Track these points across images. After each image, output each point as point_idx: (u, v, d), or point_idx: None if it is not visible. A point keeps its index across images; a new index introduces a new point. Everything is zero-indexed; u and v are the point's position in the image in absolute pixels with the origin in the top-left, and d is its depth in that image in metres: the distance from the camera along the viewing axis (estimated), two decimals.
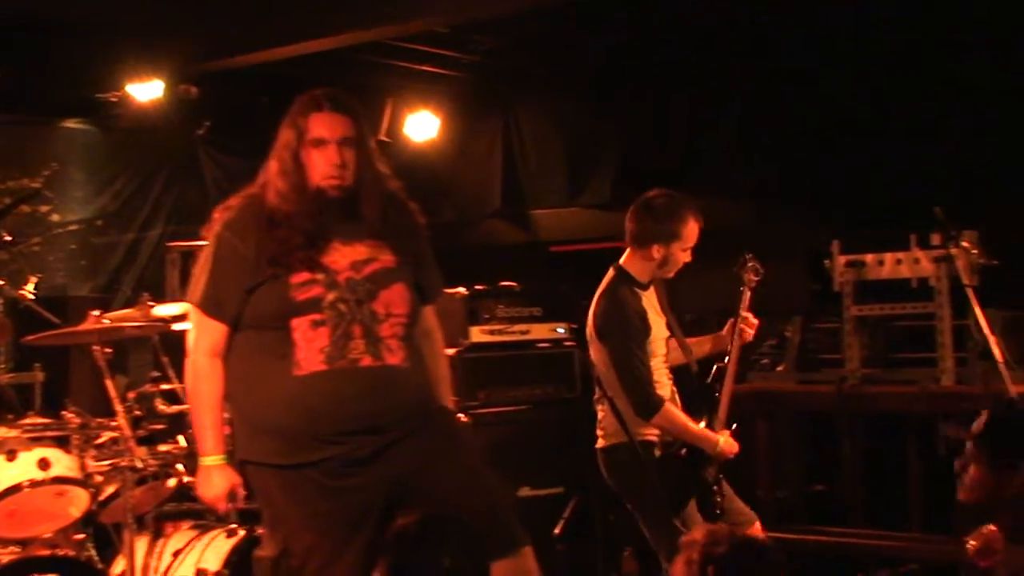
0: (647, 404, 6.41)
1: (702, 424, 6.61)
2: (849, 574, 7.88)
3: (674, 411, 6.49)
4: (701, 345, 6.94)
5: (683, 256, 6.59)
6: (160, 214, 10.38)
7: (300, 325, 5.04)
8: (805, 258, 8.62)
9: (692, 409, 6.64)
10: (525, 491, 8.04)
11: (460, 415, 7.68)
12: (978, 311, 7.29)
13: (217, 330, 5.11)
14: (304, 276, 5.04)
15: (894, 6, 8.77)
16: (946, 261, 7.82)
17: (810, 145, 9.45)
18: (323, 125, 5.10)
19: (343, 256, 5.12)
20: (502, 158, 11.00)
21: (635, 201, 6.69)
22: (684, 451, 6.52)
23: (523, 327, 8.52)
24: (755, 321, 6.79)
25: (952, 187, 8.35)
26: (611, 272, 6.69)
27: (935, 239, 7.90)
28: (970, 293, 7.32)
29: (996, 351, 7.16)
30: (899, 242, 8.11)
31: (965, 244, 7.66)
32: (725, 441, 6.58)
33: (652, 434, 6.53)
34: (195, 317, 5.19)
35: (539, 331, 8.60)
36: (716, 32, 9.53)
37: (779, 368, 8.86)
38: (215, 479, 5.12)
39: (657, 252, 6.54)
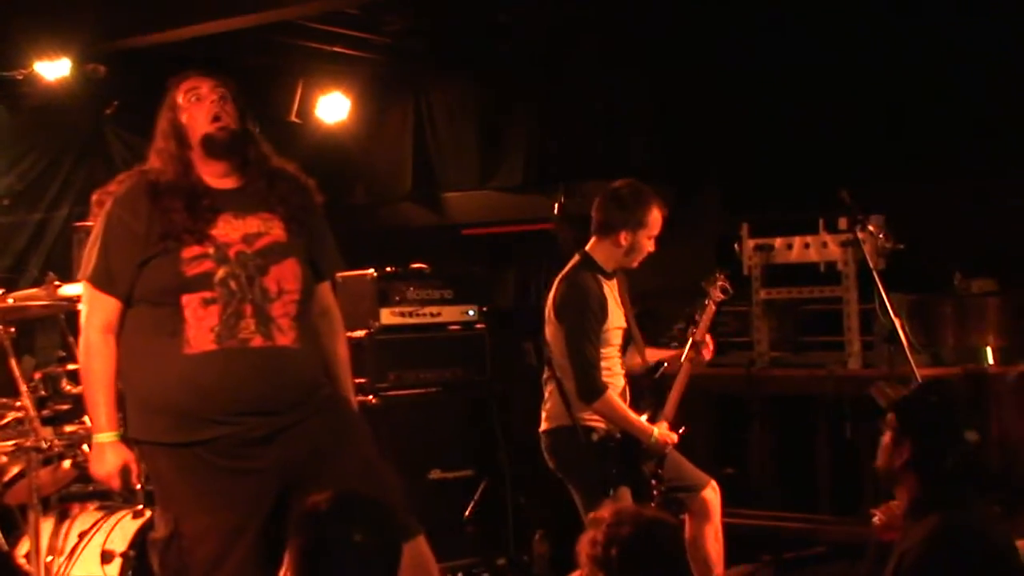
0: (590, 389, 6.54)
1: (644, 418, 6.74)
2: (758, 556, 7.88)
3: (615, 400, 6.63)
4: (657, 354, 7.14)
5: (648, 244, 6.78)
6: (68, 194, 10.26)
7: (191, 303, 5.03)
8: (715, 241, 8.67)
9: (639, 403, 6.83)
10: (435, 473, 8.09)
11: (370, 397, 7.70)
12: (884, 295, 7.37)
13: (110, 305, 5.10)
14: (195, 250, 5.03)
15: None
16: (853, 245, 7.92)
17: (720, 128, 9.46)
18: (197, 82, 5.19)
19: (234, 229, 5.12)
20: (413, 140, 10.96)
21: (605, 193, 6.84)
22: (619, 436, 6.64)
23: (434, 309, 8.54)
24: (712, 343, 7.05)
25: (858, 171, 8.40)
26: (576, 257, 6.84)
27: (842, 223, 7.98)
28: (876, 277, 7.39)
29: (902, 334, 7.25)
30: (807, 226, 8.17)
31: (872, 228, 7.73)
32: (660, 433, 6.71)
33: (594, 420, 6.64)
34: (87, 293, 5.18)
35: (450, 313, 8.64)
36: (631, 15, 9.53)
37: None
38: (108, 456, 5.09)
39: (624, 239, 6.72)
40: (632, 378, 6.95)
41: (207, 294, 5.02)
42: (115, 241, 5.11)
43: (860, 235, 7.75)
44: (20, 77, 9.60)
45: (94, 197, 5.31)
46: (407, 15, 9.85)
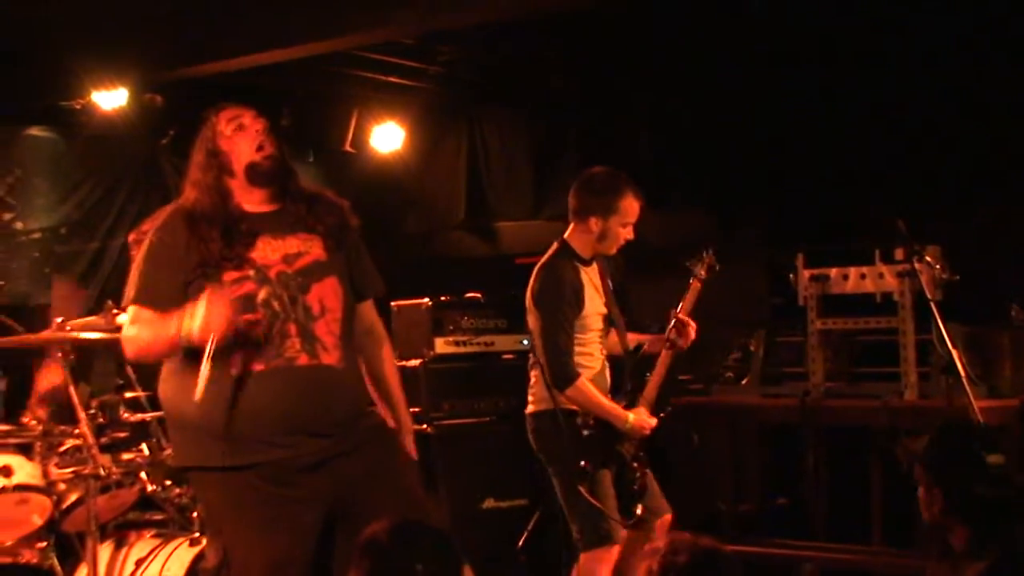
0: (563, 375, 6.63)
1: (623, 403, 6.81)
2: None
3: (587, 386, 6.68)
4: (638, 337, 7.13)
5: (623, 232, 6.82)
6: (124, 223, 10.30)
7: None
8: (767, 271, 8.66)
9: (618, 387, 6.92)
10: (489, 503, 8.10)
11: (424, 426, 7.72)
12: (942, 326, 7.34)
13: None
14: (235, 274, 5.05)
15: (859, 20, 8.77)
16: (910, 276, 7.84)
17: (774, 157, 9.46)
18: (239, 112, 5.24)
19: (274, 250, 5.16)
20: (467, 170, 11.03)
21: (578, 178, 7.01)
22: (592, 422, 6.70)
23: (488, 338, 8.58)
24: (694, 326, 6.95)
25: (915, 202, 8.37)
26: (555, 245, 6.91)
27: (898, 254, 7.93)
28: (933, 308, 7.36)
29: (959, 366, 7.20)
30: (863, 256, 8.15)
31: (928, 259, 7.68)
32: (636, 418, 6.76)
33: (575, 405, 6.74)
34: (132, 315, 5.18)
35: (504, 343, 8.67)
36: (677, 44, 9.54)
37: (743, 381, 8.86)
38: (209, 311, 4.86)
39: (595, 225, 6.79)
40: (614, 361, 7.00)
41: (251, 317, 5.04)
42: (157, 264, 5.14)
43: (917, 266, 7.71)
44: (78, 107, 9.71)
45: (131, 238, 5.31)
46: (460, 46, 9.89)
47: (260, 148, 5.16)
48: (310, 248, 5.23)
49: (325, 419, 5.08)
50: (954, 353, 7.22)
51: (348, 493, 5.07)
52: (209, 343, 4.80)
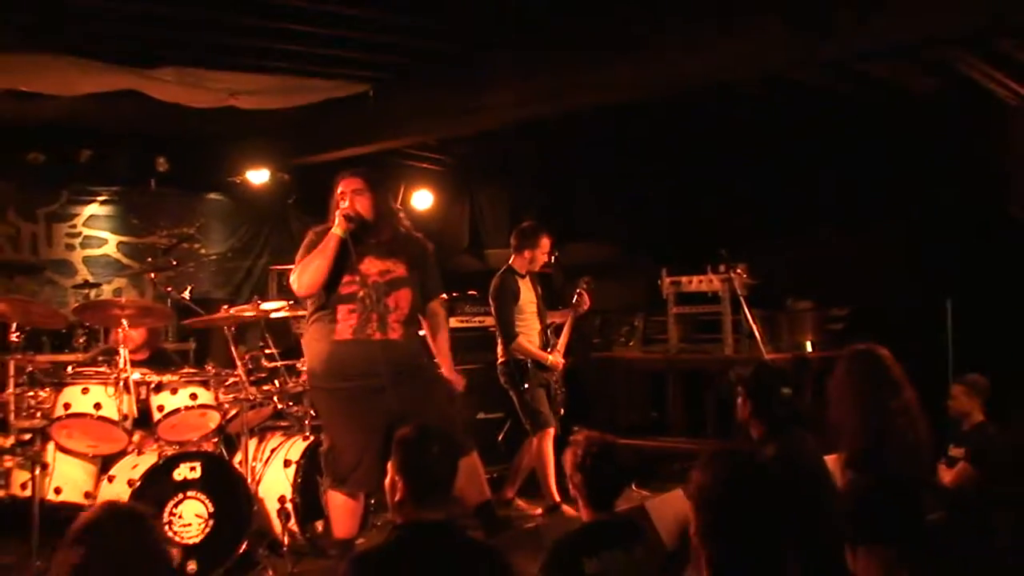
0: (508, 337, 7.05)
1: (548, 351, 7.12)
2: (669, 464, 7.92)
3: (523, 342, 7.04)
4: (561, 315, 7.41)
5: (542, 256, 7.19)
6: (266, 250, 10.37)
7: (341, 309, 5.20)
8: (645, 278, 8.73)
9: (547, 343, 7.20)
10: (481, 414, 8.10)
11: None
12: (747, 311, 7.47)
13: None
14: (347, 279, 5.19)
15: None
16: (728, 281, 7.97)
17: (653, 213, 9.51)
18: (346, 184, 5.31)
19: (374, 267, 5.25)
20: (469, 218, 11.05)
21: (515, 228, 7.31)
22: (528, 363, 7.03)
23: (480, 318, 8.55)
24: (588, 301, 7.31)
25: (732, 235, 8.45)
26: (504, 267, 7.22)
27: (722, 268, 8.03)
28: (742, 300, 7.52)
29: (757, 334, 7.34)
30: (701, 269, 8.25)
31: (739, 271, 7.81)
32: (553, 358, 7.11)
33: (519, 355, 7.04)
34: (296, 272, 5.29)
35: (490, 320, 8.52)
36: (597, 144, 9.60)
37: (631, 343, 8.97)
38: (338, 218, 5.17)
39: (528, 254, 7.13)
40: (544, 329, 7.22)
41: (352, 306, 5.19)
42: (313, 247, 5.27)
43: (732, 275, 7.87)
44: (238, 180, 9.74)
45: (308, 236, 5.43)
46: (465, 145, 9.95)
47: (344, 211, 5.22)
48: (396, 268, 5.30)
49: (383, 366, 5.12)
50: (754, 326, 7.37)
51: (402, 404, 5.09)
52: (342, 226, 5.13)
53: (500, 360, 7.17)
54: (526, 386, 7.00)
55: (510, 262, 7.20)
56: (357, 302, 5.20)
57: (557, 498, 6.93)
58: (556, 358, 7.13)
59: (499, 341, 7.18)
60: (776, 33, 5.56)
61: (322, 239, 5.23)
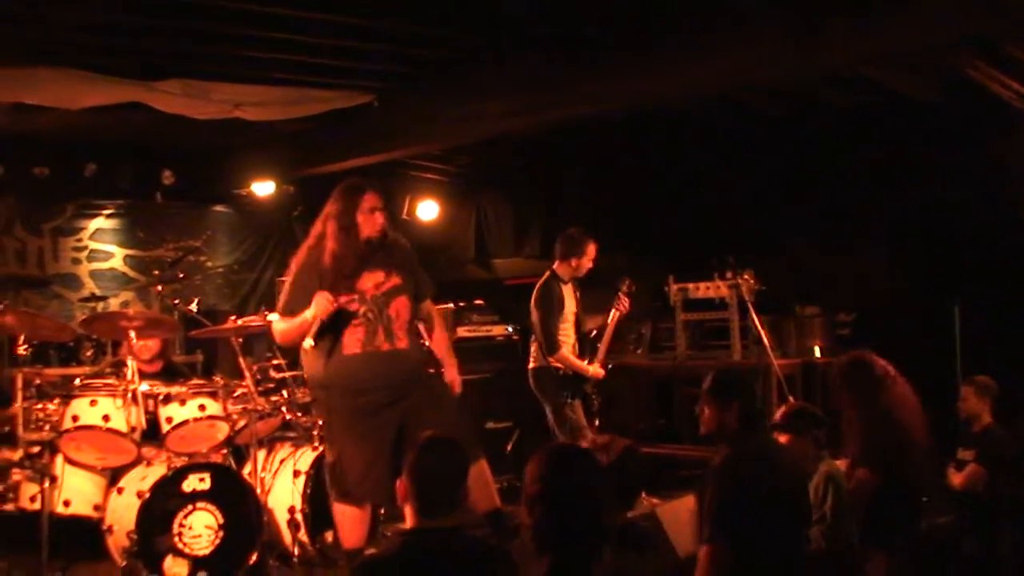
0: (551, 347, 6.93)
1: (586, 361, 7.05)
2: (677, 471, 7.90)
3: (565, 353, 6.96)
4: (595, 320, 7.29)
5: (588, 264, 7.09)
6: (271, 263, 10.40)
7: (346, 326, 5.22)
8: (653, 286, 8.74)
9: (583, 351, 7.15)
10: (490, 424, 8.13)
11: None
12: (754, 316, 7.48)
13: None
14: (345, 296, 5.20)
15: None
16: (735, 287, 7.97)
17: (664, 221, 9.49)
18: (374, 200, 5.27)
19: (370, 280, 5.29)
20: (475, 228, 11.02)
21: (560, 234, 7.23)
22: (571, 373, 6.99)
23: (488, 327, 8.62)
24: (628, 302, 7.18)
25: (738, 241, 8.45)
26: (547, 273, 7.13)
27: (729, 274, 8.03)
28: (750, 306, 7.53)
29: (765, 340, 7.36)
30: (708, 275, 8.25)
31: (746, 276, 7.81)
32: (594, 369, 7.03)
33: (556, 363, 6.97)
34: (279, 320, 5.40)
35: (497, 330, 8.69)
36: (603, 158, 9.60)
37: (639, 351, 8.97)
38: (317, 304, 5.13)
39: (575, 262, 7.03)
40: (581, 336, 7.20)
41: (356, 321, 5.23)
42: (296, 290, 5.30)
43: (740, 281, 7.86)
44: (244, 193, 9.79)
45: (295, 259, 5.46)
46: (470, 155, 9.97)
47: (378, 231, 5.27)
48: (391, 278, 5.32)
49: (394, 378, 5.20)
50: (762, 332, 7.39)
51: (410, 419, 5.16)
52: (317, 317, 5.08)
53: (533, 366, 7.12)
54: (568, 399, 6.97)
55: (554, 267, 7.16)
56: (360, 317, 5.23)
57: None
58: (596, 369, 7.06)
59: (534, 347, 7.13)
60: (778, 41, 5.57)
61: (309, 279, 5.24)
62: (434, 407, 5.29)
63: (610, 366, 7.26)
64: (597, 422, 7.08)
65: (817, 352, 8.17)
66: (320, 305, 5.11)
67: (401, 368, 5.25)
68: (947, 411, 6.14)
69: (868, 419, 4.98)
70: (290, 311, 5.28)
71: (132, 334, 6.03)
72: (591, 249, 7.08)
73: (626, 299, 7.16)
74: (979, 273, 7.49)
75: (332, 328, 5.20)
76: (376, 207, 5.28)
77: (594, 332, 7.29)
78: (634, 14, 6.19)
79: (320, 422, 6.32)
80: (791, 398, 7.17)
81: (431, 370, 5.55)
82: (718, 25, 5.86)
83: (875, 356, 5.17)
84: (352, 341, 5.22)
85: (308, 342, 5.15)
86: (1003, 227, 7.43)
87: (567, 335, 7.04)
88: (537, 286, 7.11)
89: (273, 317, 6.36)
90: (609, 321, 7.12)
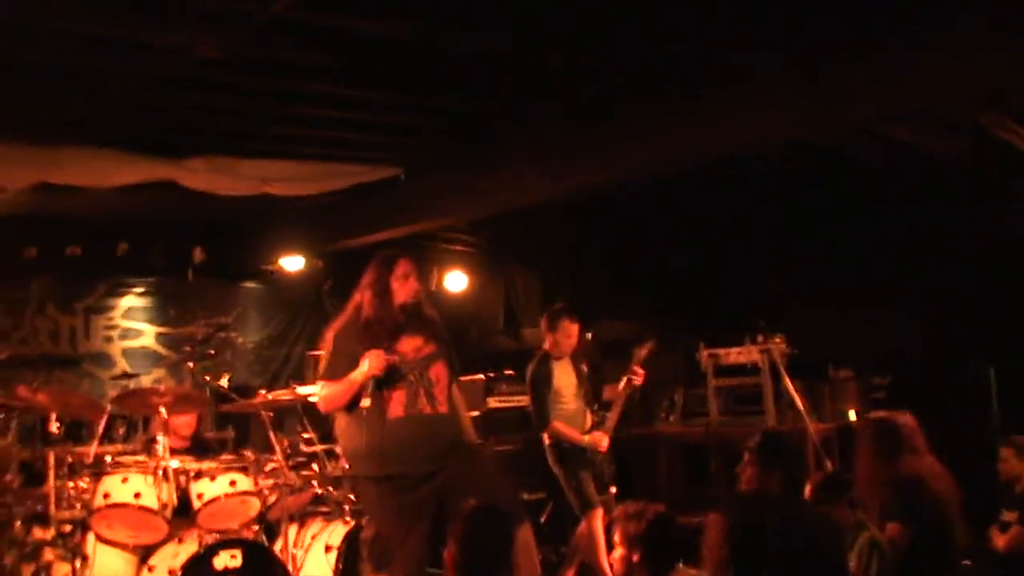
0: (540, 423, 6.96)
1: (587, 432, 6.98)
2: None
3: (558, 426, 6.93)
4: (613, 389, 7.13)
5: (568, 340, 7.07)
6: (302, 338, 10.39)
7: (388, 389, 5.18)
8: (684, 352, 8.70)
9: (595, 422, 7.08)
10: (524, 495, 8.04)
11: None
12: (787, 380, 7.41)
13: None
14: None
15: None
16: (766, 352, 7.92)
17: (692, 286, 9.48)
18: (407, 267, 5.31)
19: (410, 344, 5.28)
20: (504, 299, 11.06)
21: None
22: (568, 444, 6.94)
23: (519, 398, 8.57)
24: (643, 373, 7.02)
25: (768, 305, 8.41)
26: (539, 351, 7.18)
27: (760, 338, 7.98)
28: (782, 370, 7.47)
29: (799, 404, 7.28)
30: (740, 341, 8.21)
31: (777, 340, 7.77)
32: (590, 439, 6.95)
33: (548, 437, 7.00)
34: (322, 386, 5.36)
35: (527, 400, 8.60)
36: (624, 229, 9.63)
37: (671, 418, 8.91)
38: (371, 360, 5.12)
39: (552, 338, 7.07)
40: (592, 408, 7.13)
41: (400, 383, 5.21)
42: (337, 356, 5.28)
43: (771, 346, 7.82)
44: (273, 268, 9.83)
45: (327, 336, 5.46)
46: (497, 226, 9.98)
47: (412, 297, 5.29)
48: (427, 345, 5.32)
49: (437, 446, 5.18)
50: (795, 396, 7.31)
51: (451, 485, 5.11)
52: (370, 374, 5.08)
53: (547, 443, 7.09)
54: (574, 470, 6.92)
55: (544, 346, 7.17)
56: (402, 379, 5.21)
57: None
58: (595, 438, 6.95)
59: None
60: (800, 99, 5.58)
61: (348, 343, 5.26)
62: (476, 476, 5.26)
63: (636, 432, 7.19)
64: (614, 490, 7.01)
65: (852, 416, 8.08)
66: (374, 361, 5.11)
67: (443, 434, 5.24)
68: (987, 473, 6.05)
69: (897, 475, 4.92)
70: (333, 375, 5.28)
71: (163, 410, 6.05)
72: (567, 326, 7.06)
73: (640, 368, 7.04)
74: (1014, 330, 7.42)
75: (377, 390, 5.18)
76: (410, 273, 5.32)
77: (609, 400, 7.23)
78: (654, 78, 6.22)
79: (352, 496, 6.31)
80: (828, 463, 7.08)
81: (471, 435, 5.53)
82: (737, 85, 5.88)
83: (904, 417, 5.13)
84: (396, 405, 5.20)
85: (365, 402, 5.13)
86: None
87: (566, 408, 7.01)
88: (529, 365, 7.15)
89: (305, 389, 6.38)
90: (620, 390, 7.04)
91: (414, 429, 5.17)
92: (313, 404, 6.87)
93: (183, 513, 6.00)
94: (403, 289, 5.29)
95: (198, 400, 6.78)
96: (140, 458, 6.09)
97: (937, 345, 7.88)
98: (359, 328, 5.29)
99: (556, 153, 6.99)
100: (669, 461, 8.91)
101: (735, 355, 8.28)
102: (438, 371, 5.32)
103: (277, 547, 6.15)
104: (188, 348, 8.63)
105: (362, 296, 5.36)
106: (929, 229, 8.01)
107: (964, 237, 7.83)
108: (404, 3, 5.07)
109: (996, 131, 6.45)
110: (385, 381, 5.17)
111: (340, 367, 5.25)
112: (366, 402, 5.13)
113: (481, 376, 8.50)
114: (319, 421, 7.29)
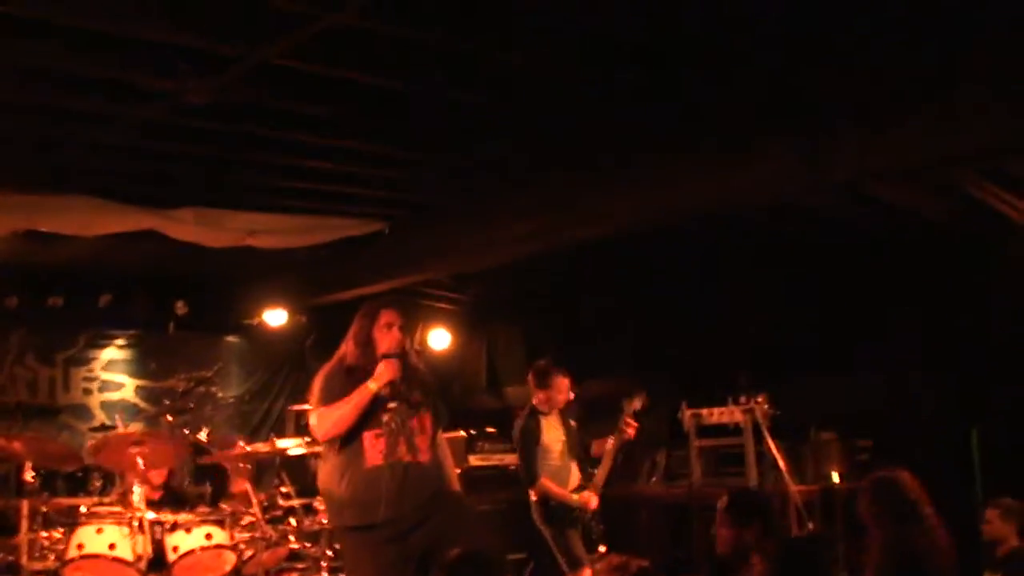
0: (528, 479, 6.83)
1: (575, 490, 6.87)
2: None
3: (546, 483, 6.81)
4: (601, 445, 7.04)
5: (560, 396, 6.99)
6: (283, 392, 10.36)
7: (368, 436, 5.13)
8: (667, 412, 8.66)
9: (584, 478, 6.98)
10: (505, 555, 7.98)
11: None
12: (770, 441, 7.38)
13: None
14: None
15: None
16: (749, 412, 7.87)
17: (673, 347, 9.47)
18: (390, 317, 5.27)
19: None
20: (486, 357, 11.03)
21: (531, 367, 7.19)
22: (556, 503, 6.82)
23: (500, 456, 8.55)
24: (635, 425, 6.95)
25: (754, 366, 8.39)
26: (527, 407, 7.05)
27: (743, 399, 7.95)
28: (765, 431, 7.43)
29: (782, 465, 7.24)
30: (722, 401, 8.17)
31: (760, 400, 7.73)
32: (578, 498, 6.84)
33: (535, 495, 6.85)
34: (318, 413, 5.23)
35: (509, 459, 8.56)
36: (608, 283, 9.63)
37: (653, 479, 8.85)
38: (382, 368, 5.11)
39: (543, 394, 6.95)
40: (580, 464, 7.04)
41: (378, 430, 5.14)
42: (327, 390, 5.22)
43: (754, 406, 7.78)
44: (255, 323, 9.81)
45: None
46: (480, 283, 10.01)
47: (395, 347, 5.23)
48: (413, 393, 5.27)
49: (418, 497, 5.12)
50: (778, 457, 7.27)
51: (433, 542, 5.04)
52: (381, 382, 5.07)
53: (533, 499, 6.96)
54: (561, 528, 6.81)
55: (532, 402, 7.09)
56: (383, 427, 5.15)
57: None
58: (584, 496, 6.86)
59: None
60: (787, 158, 5.62)
61: (336, 382, 5.21)
62: (458, 524, 5.20)
63: (618, 493, 7.13)
64: (603, 548, 6.87)
65: (835, 478, 8.02)
66: (390, 366, 5.11)
67: (424, 483, 5.17)
68: (970, 535, 6.01)
69: (894, 536, 4.88)
70: (328, 401, 5.21)
71: (140, 460, 5.98)
72: (558, 382, 7.00)
73: (631, 422, 6.97)
74: (998, 394, 7.42)
75: (355, 434, 5.13)
76: (393, 323, 5.28)
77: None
78: (643, 135, 6.26)
79: (330, 552, 6.24)
80: (810, 525, 7.03)
81: (453, 485, 5.45)
82: (730, 143, 5.92)
83: (905, 475, 5.12)
84: (374, 453, 5.13)
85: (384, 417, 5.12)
86: (1018, 347, 7.39)
87: (554, 465, 6.93)
88: (516, 422, 7.08)
89: (285, 442, 6.33)
90: (610, 445, 6.96)
91: (392, 477, 5.09)
92: (292, 457, 6.90)
93: (158, 566, 5.96)
94: (386, 339, 5.25)
95: (175, 449, 6.72)
96: (116, 509, 6.02)
97: (919, 407, 7.86)
98: (343, 375, 5.25)
99: (544, 208, 7.01)
100: (651, 522, 8.82)
101: (718, 415, 8.16)
102: (422, 420, 5.27)
103: None
104: (168, 402, 8.64)
105: (346, 347, 5.34)
106: (912, 293, 8.04)
107: (943, 301, 7.85)
108: (395, 56, 5.10)
109: (984, 197, 6.51)
110: (357, 428, 5.12)
111: (334, 394, 5.20)
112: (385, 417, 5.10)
113: (463, 433, 8.44)
114: (297, 475, 7.25)
